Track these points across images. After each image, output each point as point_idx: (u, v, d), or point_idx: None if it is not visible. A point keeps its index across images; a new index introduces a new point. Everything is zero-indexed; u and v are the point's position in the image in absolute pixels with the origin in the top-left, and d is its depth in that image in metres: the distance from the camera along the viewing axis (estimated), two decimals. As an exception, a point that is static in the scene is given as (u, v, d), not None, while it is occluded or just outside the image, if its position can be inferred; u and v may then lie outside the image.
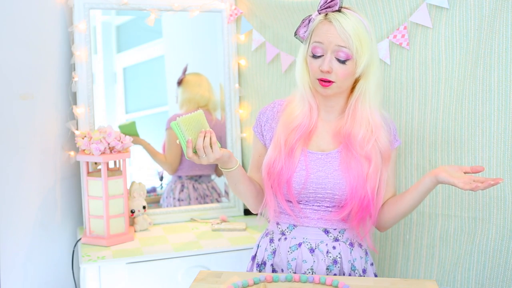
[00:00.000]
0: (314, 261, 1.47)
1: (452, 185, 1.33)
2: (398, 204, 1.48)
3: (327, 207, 1.48)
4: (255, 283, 1.38)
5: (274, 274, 1.41)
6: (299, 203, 1.49)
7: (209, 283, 1.38)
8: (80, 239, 2.12)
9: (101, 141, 2.03)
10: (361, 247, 1.54)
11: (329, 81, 1.42)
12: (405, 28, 1.72)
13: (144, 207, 2.23)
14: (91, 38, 2.23)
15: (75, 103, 2.23)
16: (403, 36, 1.73)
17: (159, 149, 2.57)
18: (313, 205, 1.48)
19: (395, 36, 1.74)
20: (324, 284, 1.37)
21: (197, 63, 2.64)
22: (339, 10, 1.41)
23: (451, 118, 1.65)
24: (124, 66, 2.65)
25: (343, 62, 1.40)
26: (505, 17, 1.48)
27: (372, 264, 1.56)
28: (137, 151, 2.51)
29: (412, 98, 1.74)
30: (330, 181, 1.45)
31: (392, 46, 1.77)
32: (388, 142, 1.48)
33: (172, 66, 2.60)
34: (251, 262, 1.60)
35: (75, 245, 2.15)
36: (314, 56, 1.43)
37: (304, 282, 1.39)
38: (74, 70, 2.21)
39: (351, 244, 1.51)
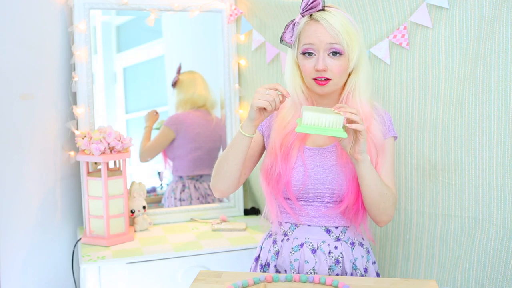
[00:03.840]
0: (316, 262, 1.48)
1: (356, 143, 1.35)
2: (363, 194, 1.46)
3: (328, 202, 1.48)
4: (255, 283, 1.38)
5: (274, 274, 1.41)
6: (299, 200, 1.49)
7: (209, 283, 1.38)
8: (80, 239, 2.12)
9: (101, 141, 2.03)
10: (362, 246, 1.54)
11: (326, 79, 1.42)
12: (405, 28, 1.72)
13: (144, 207, 2.23)
14: (91, 38, 2.23)
15: (75, 103, 2.23)
16: (403, 36, 1.73)
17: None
18: (313, 201, 1.48)
19: (395, 36, 1.74)
20: (324, 284, 1.37)
21: (197, 63, 2.65)
22: (323, 9, 1.42)
23: (451, 118, 1.65)
24: (124, 66, 2.65)
25: (336, 58, 1.40)
26: (505, 17, 1.48)
27: (374, 263, 1.56)
28: (137, 151, 2.51)
29: (412, 98, 1.74)
30: (328, 176, 1.46)
31: (392, 46, 1.77)
32: (380, 132, 1.47)
33: (172, 66, 2.60)
34: (255, 263, 1.60)
35: (75, 245, 2.15)
36: (306, 55, 1.42)
37: (304, 282, 1.39)
38: (74, 70, 2.21)
39: (352, 243, 1.51)
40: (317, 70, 1.40)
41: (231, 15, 2.37)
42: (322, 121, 1.31)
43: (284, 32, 1.48)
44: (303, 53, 1.43)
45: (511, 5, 1.47)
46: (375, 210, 1.45)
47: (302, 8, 1.43)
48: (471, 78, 1.58)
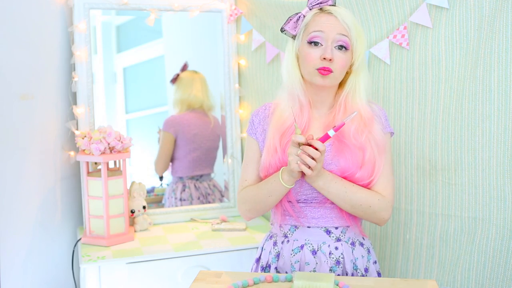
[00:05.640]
0: (316, 263, 1.47)
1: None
2: None
3: (325, 203, 1.47)
4: (255, 283, 1.38)
5: (274, 274, 1.41)
6: (298, 202, 1.49)
7: (209, 283, 1.38)
8: (80, 239, 2.12)
9: (101, 141, 2.03)
10: (362, 246, 1.53)
11: (329, 70, 1.41)
12: (405, 28, 1.72)
13: (144, 207, 2.23)
14: (91, 38, 2.23)
15: (75, 103, 2.23)
16: (403, 36, 1.73)
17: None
18: (311, 202, 1.48)
19: (395, 36, 1.74)
20: (324, 284, 1.37)
21: (197, 63, 2.65)
22: (333, 5, 1.45)
23: (451, 118, 1.65)
24: (124, 66, 2.65)
25: (342, 51, 1.41)
26: (505, 17, 1.48)
27: (375, 262, 1.56)
28: (137, 151, 2.51)
29: (412, 98, 1.74)
30: None
31: (392, 46, 1.77)
32: (382, 133, 1.48)
33: (172, 66, 2.60)
34: (256, 264, 1.59)
35: (75, 245, 2.15)
36: (313, 45, 1.42)
37: (304, 282, 1.39)
38: (74, 70, 2.21)
39: (353, 244, 1.51)
40: (324, 59, 1.40)
41: (231, 15, 2.37)
42: None
43: (287, 23, 1.47)
44: (310, 42, 1.43)
45: (511, 5, 1.47)
46: (359, 216, 1.49)
47: (310, 1, 1.44)
48: (471, 78, 1.58)
